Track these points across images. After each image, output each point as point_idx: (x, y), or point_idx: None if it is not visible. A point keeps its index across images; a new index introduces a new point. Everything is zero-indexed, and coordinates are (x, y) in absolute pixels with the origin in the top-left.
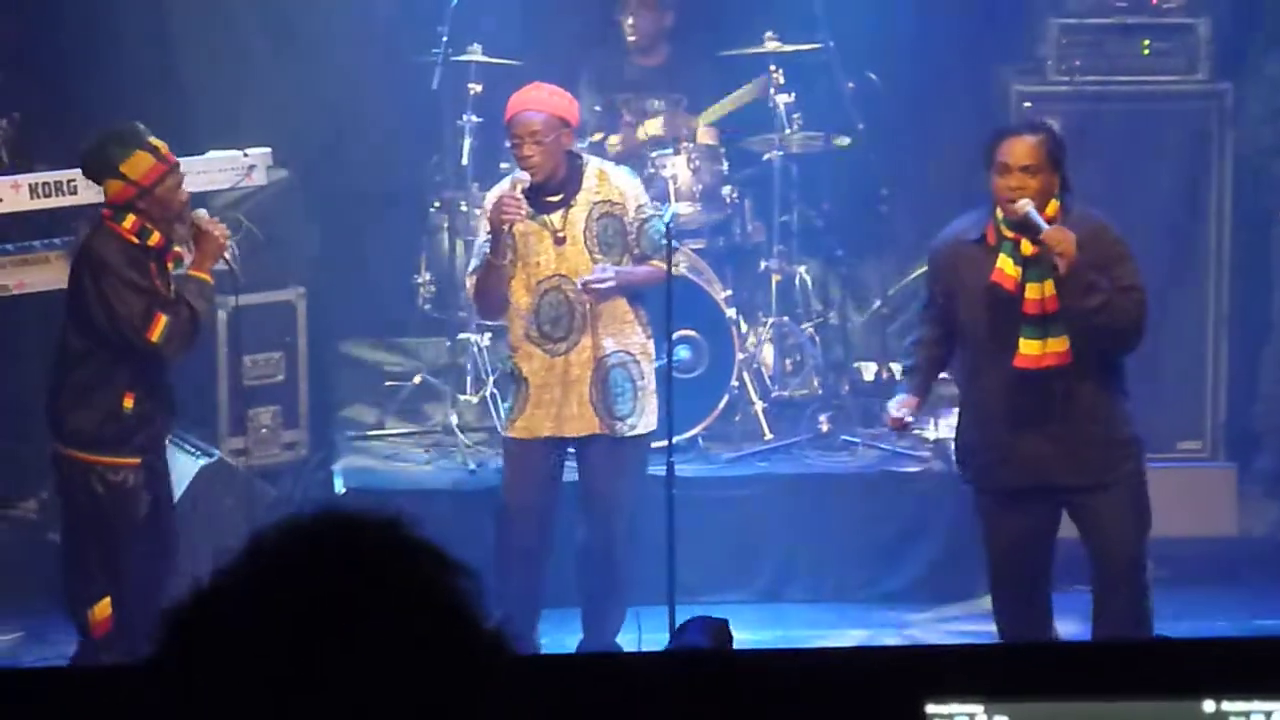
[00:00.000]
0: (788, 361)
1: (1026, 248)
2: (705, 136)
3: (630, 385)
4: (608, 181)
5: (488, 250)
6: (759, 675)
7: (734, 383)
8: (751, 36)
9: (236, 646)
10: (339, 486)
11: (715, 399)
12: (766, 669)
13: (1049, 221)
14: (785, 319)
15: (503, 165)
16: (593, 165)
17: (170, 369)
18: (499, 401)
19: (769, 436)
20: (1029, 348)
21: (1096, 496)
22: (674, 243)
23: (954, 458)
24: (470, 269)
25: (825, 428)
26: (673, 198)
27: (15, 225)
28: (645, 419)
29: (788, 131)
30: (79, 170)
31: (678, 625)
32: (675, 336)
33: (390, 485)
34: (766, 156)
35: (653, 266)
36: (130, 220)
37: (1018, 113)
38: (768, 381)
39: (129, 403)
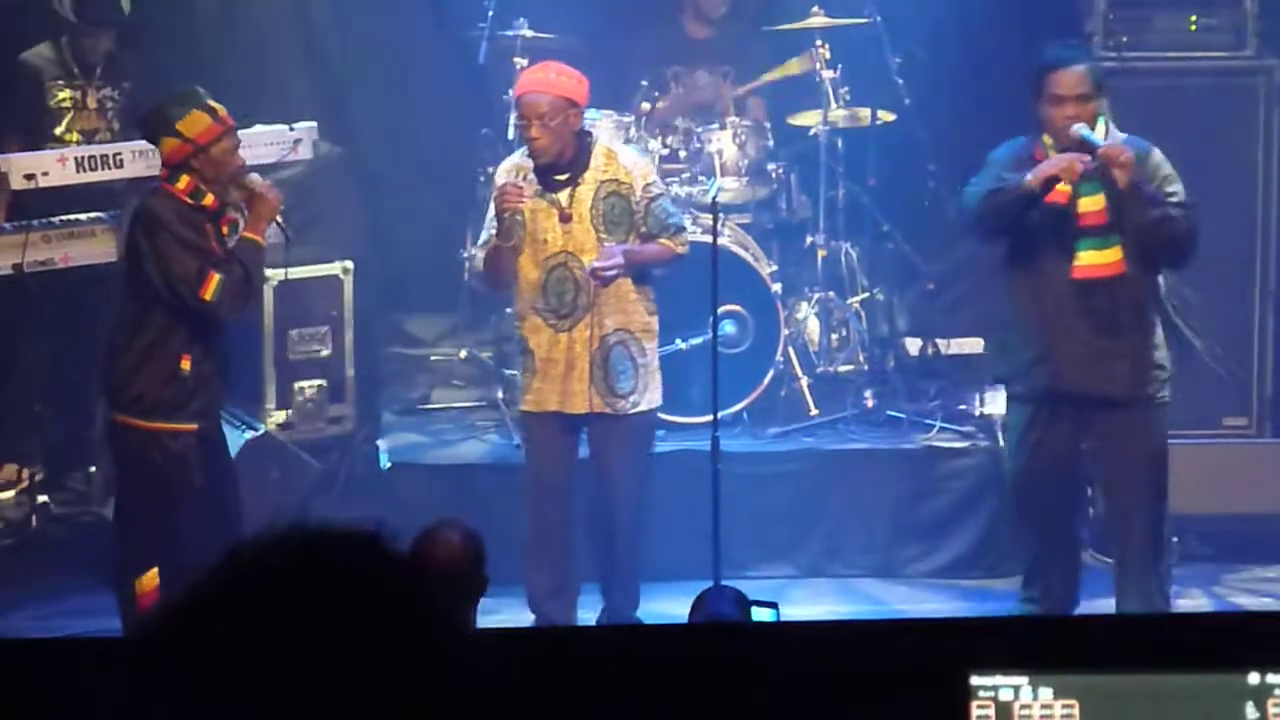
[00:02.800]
0: (833, 337)
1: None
2: (753, 111)
3: (631, 363)
4: (615, 161)
5: (493, 230)
6: (805, 646)
7: (779, 358)
8: (799, 11)
9: (208, 663)
10: (384, 461)
11: (760, 374)
12: (812, 640)
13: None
14: (831, 294)
15: None
16: (601, 144)
17: (226, 336)
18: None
19: (814, 412)
20: (1088, 258)
21: (1119, 415)
22: (719, 217)
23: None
24: (480, 241)
25: (871, 403)
26: (718, 172)
27: (61, 199)
28: (648, 396)
29: (834, 106)
30: (128, 143)
31: (695, 598)
32: (721, 312)
33: (435, 460)
34: (813, 131)
35: (660, 245)
36: (185, 181)
37: None
38: (813, 357)
39: (186, 364)
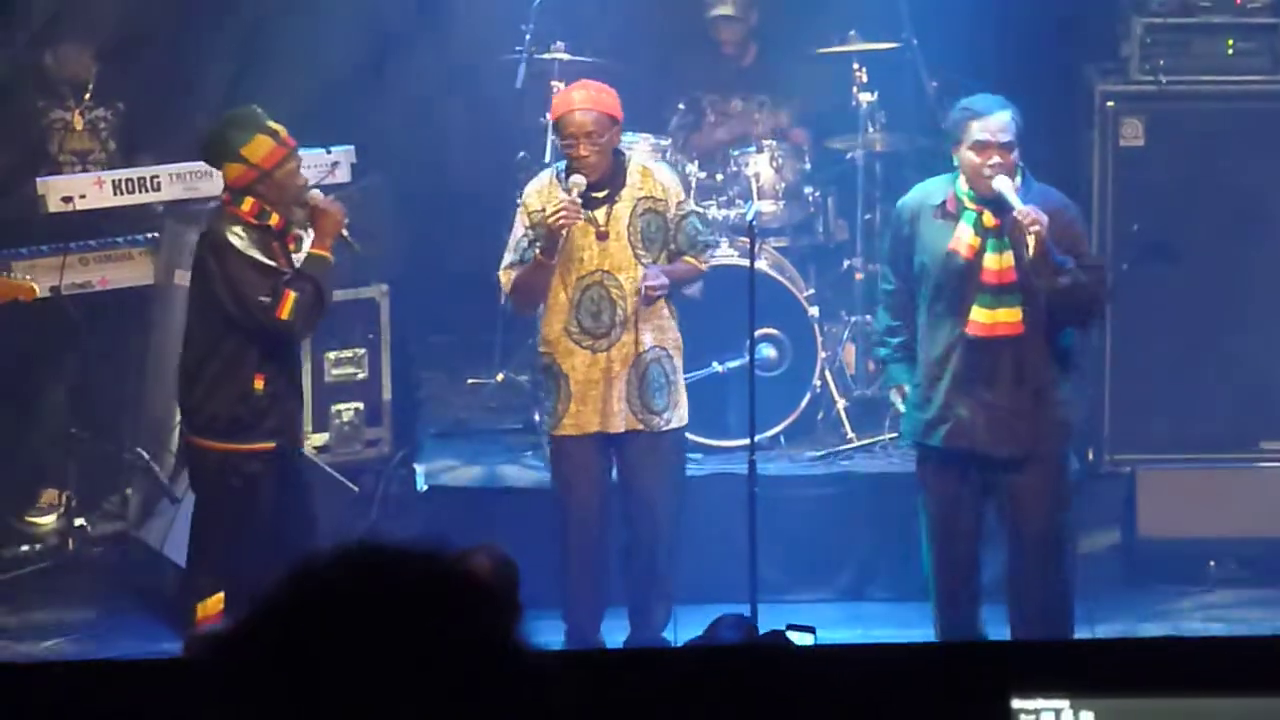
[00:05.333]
0: (870, 361)
1: (989, 219)
2: (793, 136)
3: (666, 380)
4: (651, 178)
5: (536, 248)
6: (845, 670)
7: (816, 382)
8: (836, 35)
9: (278, 677)
10: (421, 484)
11: (798, 398)
12: (853, 664)
13: None
14: (868, 318)
15: None
16: (635, 161)
17: (297, 353)
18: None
19: (851, 435)
20: (981, 315)
21: (1018, 474)
22: (756, 240)
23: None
24: (507, 263)
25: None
26: (755, 196)
27: (99, 221)
28: (678, 412)
29: (870, 130)
30: (166, 166)
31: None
32: (758, 335)
33: (472, 483)
34: (849, 155)
35: (687, 264)
36: (249, 203)
37: (1101, 112)
38: (850, 380)
39: (259, 384)
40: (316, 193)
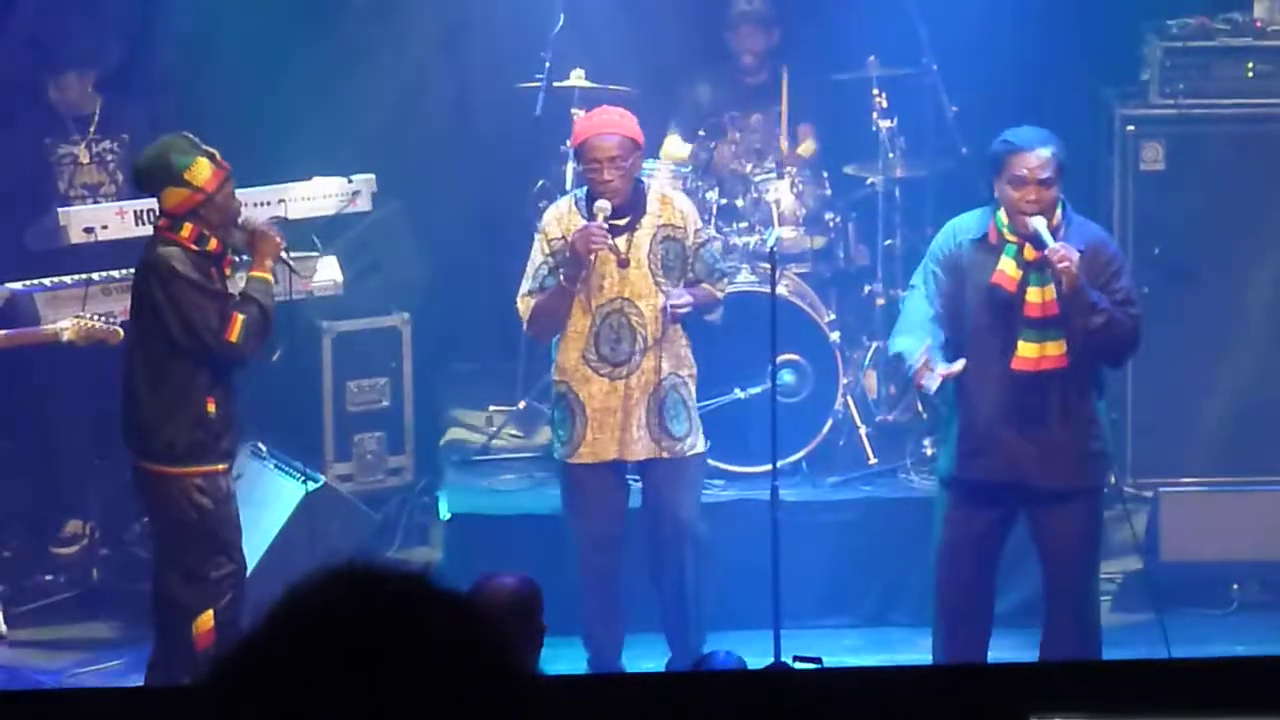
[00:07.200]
0: (891, 386)
1: (1029, 252)
2: (801, 141)
3: (683, 407)
4: (670, 205)
5: (559, 274)
6: (868, 692)
7: (838, 407)
8: (855, 61)
9: (269, 699)
10: (443, 512)
11: (819, 423)
12: (874, 686)
13: (1052, 230)
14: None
15: None
16: (655, 188)
17: (238, 372)
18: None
19: (873, 461)
20: (1027, 350)
21: (1059, 507)
22: (777, 267)
23: (939, 461)
24: (525, 290)
25: (929, 451)
26: (776, 222)
27: (121, 252)
28: (699, 438)
29: (891, 156)
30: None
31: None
32: (779, 361)
33: (494, 510)
34: (870, 181)
35: (705, 290)
36: (188, 229)
37: (1121, 136)
38: (872, 406)
39: (212, 407)
40: (253, 216)
